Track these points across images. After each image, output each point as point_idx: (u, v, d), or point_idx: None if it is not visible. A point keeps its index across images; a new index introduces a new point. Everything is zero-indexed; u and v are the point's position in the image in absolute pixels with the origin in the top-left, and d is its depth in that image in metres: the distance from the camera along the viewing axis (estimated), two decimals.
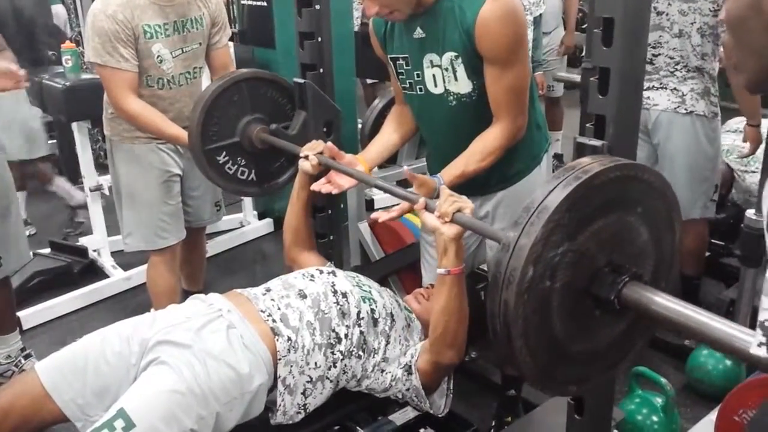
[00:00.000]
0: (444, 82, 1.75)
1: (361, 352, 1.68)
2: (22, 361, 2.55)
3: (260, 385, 1.58)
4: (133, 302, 3.17)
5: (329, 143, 1.91)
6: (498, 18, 1.61)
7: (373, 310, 1.72)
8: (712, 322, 0.98)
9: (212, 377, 1.52)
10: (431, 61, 1.74)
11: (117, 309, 3.13)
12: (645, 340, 1.25)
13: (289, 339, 1.61)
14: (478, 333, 1.62)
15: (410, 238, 2.90)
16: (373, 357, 1.70)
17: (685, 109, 2.49)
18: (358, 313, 1.70)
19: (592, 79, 1.32)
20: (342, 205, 2.54)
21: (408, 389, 1.70)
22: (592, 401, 1.45)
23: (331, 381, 1.66)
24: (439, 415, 1.75)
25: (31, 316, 2.98)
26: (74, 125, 3.24)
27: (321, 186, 1.88)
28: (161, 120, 2.33)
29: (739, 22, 0.83)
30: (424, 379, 1.68)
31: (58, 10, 4.87)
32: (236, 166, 2.19)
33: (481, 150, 1.73)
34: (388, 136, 2.02)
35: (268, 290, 1.74)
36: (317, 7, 1.99)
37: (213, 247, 3.51)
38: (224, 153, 2.16)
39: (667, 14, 2.46)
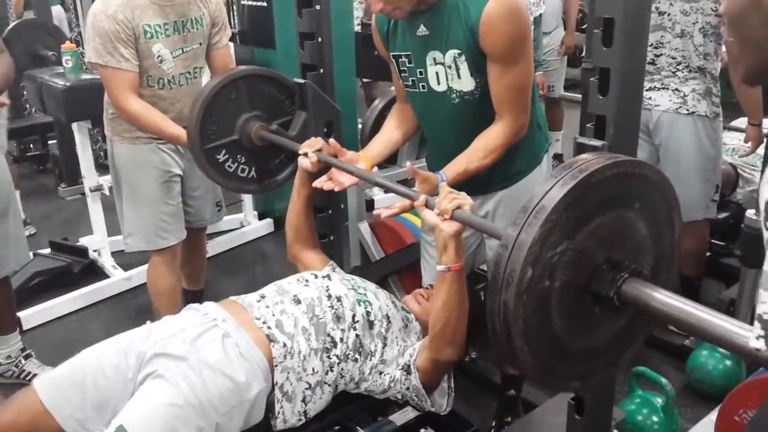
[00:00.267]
0: (447, 79, 1.75)
1: (357, 355, 1.68)
2: (22, 361, 2.55)
3: (259, 393, 1.58)
4: (133, 302, 3.17)
5: (331, 140, 1.91)
6: (502, 15, 1.60)
7: (368, 313, 1.72)
8: (711, 318, 0.97)
9: (209, 388, 1.52)
10: (434, 59, 1.74)
11: (117, 309, 3.14)
12: (645, 335, 1.25)
13: (285, 345, 1.61)
14: (478, 333, 1.62)
15: (410, 238, 2.89)
16: (370, 359, 1.70)
17: (687, 110, 2.48)
18: (353, 316, 1.69)
19: (592, 79, 1.32)
20: (342, 206, 2.54)
21: (408, 389, 1.69)
22: (592, 401, 1.45)
23: (329, 386, 1.66)
24: (442, 413, 1.74)
25: (31, 316, 2.98)
26: (74, 125, 3.24)
27: (322, 183, 1.88)
28: (162, 120, 2.33)
29: (740, 17, 0.83)
30: (423, 377, 1.67)
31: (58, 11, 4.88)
32: (236, 164, 2.19)
33: (483, 147, 1.72)
34: (390, 134, 2.01)
35: (263, 297, 1.74)
36: (317, 7, 1.99)
37: (213, 248, 3.50)
38: (224, 151, 2.15)
39: (669, 14, 2.45)
